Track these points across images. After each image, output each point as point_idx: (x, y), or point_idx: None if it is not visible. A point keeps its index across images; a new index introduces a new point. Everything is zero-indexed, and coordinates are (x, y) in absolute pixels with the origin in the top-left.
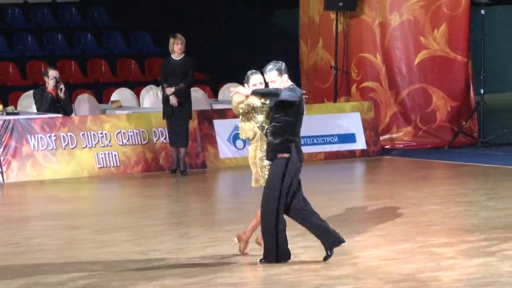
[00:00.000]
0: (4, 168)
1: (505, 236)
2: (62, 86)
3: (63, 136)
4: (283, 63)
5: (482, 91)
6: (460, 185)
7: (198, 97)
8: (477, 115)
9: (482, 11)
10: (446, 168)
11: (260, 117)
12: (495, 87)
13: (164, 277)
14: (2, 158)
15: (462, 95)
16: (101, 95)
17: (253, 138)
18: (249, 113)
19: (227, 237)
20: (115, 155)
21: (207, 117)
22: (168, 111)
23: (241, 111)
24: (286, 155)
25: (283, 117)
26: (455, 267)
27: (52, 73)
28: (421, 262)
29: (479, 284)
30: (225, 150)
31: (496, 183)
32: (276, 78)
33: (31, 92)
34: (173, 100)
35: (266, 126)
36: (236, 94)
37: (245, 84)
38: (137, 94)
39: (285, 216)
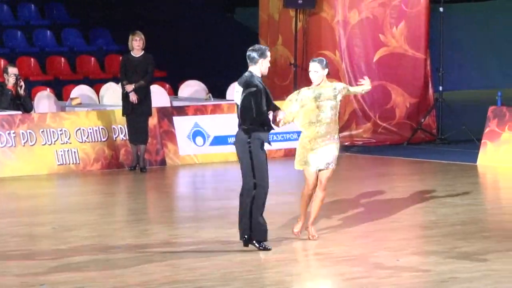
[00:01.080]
0: None
1: (463, 233)
2: (22, 83)
3: (22, 133)
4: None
5: (440, 88)
6: (419, 182)
7: (158, 94)
8: (435, 112)
9: (441, 9)
10: (405, 165)
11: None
12: (454, 84)
13: (124, 274)
14: None
15: (421, 92)
16: (61, 92)
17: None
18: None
19: (187, 234)
20: (74, 152)
21: (167, 114)
22: (128, 108)
23: None
24: None
25: None
26: (414, 263)
27: (12, 70)
28: (380, 258)
29: (438, 280)
30: (185, 147)
31: (454, 180)
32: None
33: None
34: (132, 97)
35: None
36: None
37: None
38: (97, 91)
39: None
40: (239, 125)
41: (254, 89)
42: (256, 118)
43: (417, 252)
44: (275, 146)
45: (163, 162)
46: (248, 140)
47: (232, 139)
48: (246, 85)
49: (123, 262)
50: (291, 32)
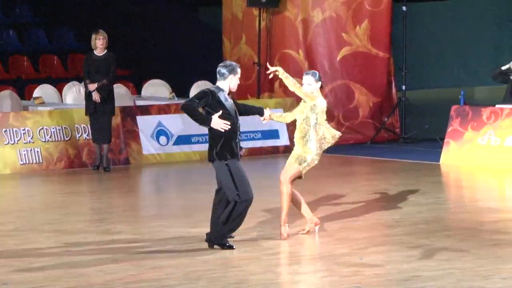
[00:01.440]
0: None
1: (426, 231)
2: None
3: None
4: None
5: (404, 87)
6: (382, 181)
7: (121, 93)
8: (398, 111)
9: (404, 8)
10: (369, 164)
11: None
12: (417, 84)
13: (88, 274)
14: None
15: (384, 91)
16: (23, 91)
17: None
18: None
19: (150, 233)
20: (37, 151)
21: (130, 113)
22: (91, 108)
23: None
24: None
25: None
26: (377, 262)
27: None
28: (344, 256)
29: (401, 279)
30: (148, 146)
31: (417, 179)
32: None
33: None
34: (95, 96)
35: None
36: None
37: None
38: (60, 91)
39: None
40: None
41: (205, 89)
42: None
43: (380, 251)
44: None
45: (126, 161)
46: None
47: (196, 139)
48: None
49: (87, 262)
50: (254, 31)
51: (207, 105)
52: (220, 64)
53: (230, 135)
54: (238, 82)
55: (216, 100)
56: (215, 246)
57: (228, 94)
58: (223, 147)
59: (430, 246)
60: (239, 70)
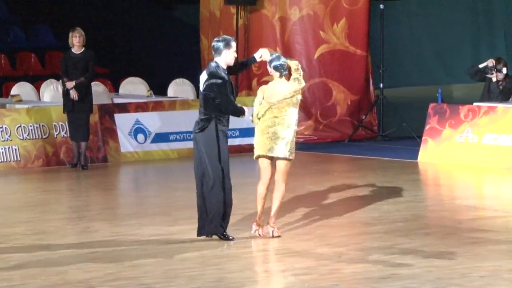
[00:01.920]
0: None
1: (405, 229)
2: None
3: None
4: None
5: (381, 85)
6: (361, 179)
7: (99, 91)
8: (376, 109)
9: (381, 6)
10: (347, 162)
11: None
12: (395, 82)
13: (67, 272)
14: None
15: (362, 89)
16: (1, 89)
17: None
18: None
19: (129, 231)
20: (15, 149)
21: (108, 111)
22: (69, 105)
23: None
24: None
25: None
26: (356, 260)
27: None
28: (322, 255)
29: (380, 276)
30: (126, 144)
31: (395, 177)
32: None
33: None
34: (73, 94)
35: None
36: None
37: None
38: (37, 88)
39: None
40: (202, 114)
41: (220, 81)
42: (221, 108)
43: (359, 249)
44: None
45: (104, 159)
46: (216, 131)
47: (174, 136)
48: (211, 75)
49: (65, 260)
50: (232, 29)
51: None
52: (214, 39)
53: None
54: (235, 56)
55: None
56: (195, 242)
57: (226, 69)
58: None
59: (409, 244)
60: (233, 44)
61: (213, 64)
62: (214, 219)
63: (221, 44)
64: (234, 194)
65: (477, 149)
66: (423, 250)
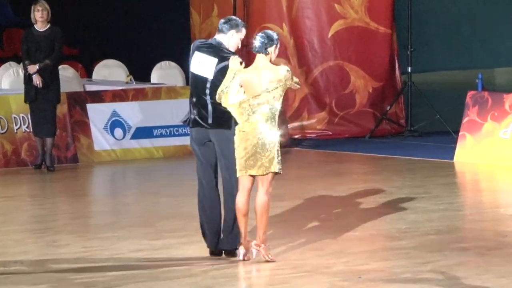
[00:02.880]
0: None
1: (438, 244)
2: None
3: None
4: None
5: (409, 69)
6: (383, 182)
7: (68, 76)
8: (403, 98)
9: None
10: (367, 162)
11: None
12: (425, 65)
13: None
14: None
15: (386, 74)
16: None
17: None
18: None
19: (103, 246)
20: None
21: (79, 100)
22: (31, 94)
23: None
24: None
25: None
26: (379, 281)
27: None
28: (338, 275)
29: None
30: (101, 140)
31: (426, 180)
32: None
33: None
34: (37, 80)
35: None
36: None
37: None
38: None
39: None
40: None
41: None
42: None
43: (382, 268)
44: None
45: (74, 159)
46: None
47: (159, 131)
48: (222, 57)
49: (26, 280)
50: (229, 2)
51: None
52: (221, 20)
53: None
54: (239, 43)
55: None
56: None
57: None
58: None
59: (443, 262)
60: (244, 30)
61: (213, 41)
62: (235, 230)
63: (231, 24)
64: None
65: None
66: (459, 268)
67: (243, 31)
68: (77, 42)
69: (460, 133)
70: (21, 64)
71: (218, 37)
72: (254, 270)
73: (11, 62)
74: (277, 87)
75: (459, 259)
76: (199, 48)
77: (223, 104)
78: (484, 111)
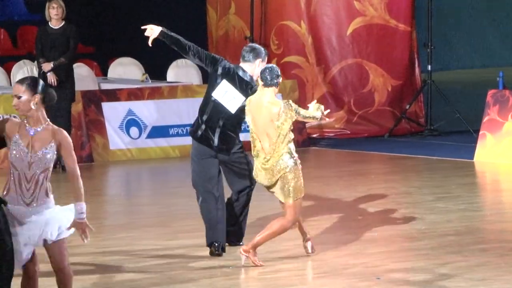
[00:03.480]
0: None
1: (457, 245)
2: None
3: None
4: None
5: (429, 67)
6: (403, 182)
7: (83, 74)
8: (423, 97)
9: None
10: (386, 162)
11: None
12: (445, 63)
13: None
14: None
15: (405, 72)
16: None
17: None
18: None
19: (118, 247)
20: None
21: (94, 99)
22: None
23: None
24: None
25: None
26: (398, 282)
27: None
28: (356, 276)
29: None
30: (117, 140)
31: (446, 180)
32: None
33: None
34: (51, 78)
35: None
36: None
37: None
38: (8, 71)
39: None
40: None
41: None
42: None
43: (401, 269)
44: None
45: (89, 159)
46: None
47: (175, 130)
48: (248, 96)
49: (40, 281)
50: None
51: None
52: (248, 45)
53: None
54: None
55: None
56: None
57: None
58: None
59: (462, 263)
60: (266, 58)
61: (245, 76)
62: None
63: (256, 53)
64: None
65: None
66: (479, 270)
67: (266, 59)
68: (92, 40)
69: (481, 132)
70: (35, 62)
71: (244, 66)
72: (272, 270)
73: (25, 60)
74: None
75: (478, 260)
76: (228, 77)
77: None
78: (505, 110)
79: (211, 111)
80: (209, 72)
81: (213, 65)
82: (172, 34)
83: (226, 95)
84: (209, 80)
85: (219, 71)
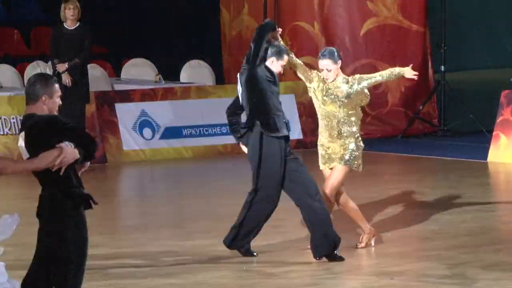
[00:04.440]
0: None
1: (471, 245)
2: None
3: None
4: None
5: (442, 68)
6: (416, 183)
7: (96, 75)
8: (436, 98)
9: None
10: (400, 162)
11: None
12: (459, 64)
13: None
14: None
15: (419, 73)
16: None
17: None
18: None
19: (132, 248)
20: None
21: (108, 100)
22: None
23: None
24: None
25: None
26: (411, 284)
27: None
28: (370, 276)
29: None
30: (130, 140)
31: (460, 180)
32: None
33: None
34: (66, 79)
35: None
36: None
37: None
38: (21, 72)
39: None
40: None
41: None
42: None
43: (415, 269)
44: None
45: (103, 159)
46: None
47: (188, 131)
48: None
49: None
50: (259, 0)
51: None
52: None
53: None
54: (281, 70)
55: None
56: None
57: None
58: None
59: (476, 264)
60: (285, 57)
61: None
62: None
63: (272, 51)
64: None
65: None
66: (494, 270)
67: (285, 58)
68: (106, 41)
69: (494, 133)
70: (49, 63)
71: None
72: (285, 271)
73: (38, 61)
74: None
75: (492, 260)
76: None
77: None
78: None
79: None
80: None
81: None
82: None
83: None
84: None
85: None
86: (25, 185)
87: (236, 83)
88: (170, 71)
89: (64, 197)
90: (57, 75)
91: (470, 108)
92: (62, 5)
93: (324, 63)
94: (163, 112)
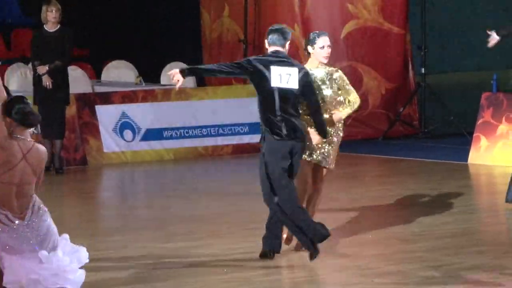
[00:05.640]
0: None
1: (453, 247)
2: None
3: None
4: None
5: (423, 70)
6: (398, 185)
7: (77, 77)
8: (417, 100)
9: None
10: (381, 164)
11: None
12: (439, 66)
13: None
14: None
15: (399, 75)
16: None
17: None
18: None
19: (112, 250)
20: None
21: (88, 102)
22: (41, 95)
23: None
24: None
25: None
26: (392, 285)
27: None
28: (351, 278)
29: None
30: (110, 142)
31: (441, 183)
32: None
33: None
34: (46, 81)
35: None
36: None
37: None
38: (1, 74)
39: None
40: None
41: None
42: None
43: (396, 271)
44: (220, 141)
45: (83, 161)
46: None
47: (169, 133)
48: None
49: None
50: (240, 2)
51: None
52: (273, 33)
53: None
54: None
55: None
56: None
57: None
58: None
59: (458, 266)
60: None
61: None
62: None
63: (284, 36)
64: (242, 200)
65: None
66: (475, 272)
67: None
68: (86, 43)
69: (475, 135)
70: (29, 65)
71: (277, 49)
72: (265, 273)
73: (19, 63)
74: None
75: (474, 262)
76: (272, 63)
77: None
78: (498, 112)
79: (281, 103)
80: (250, 78)
81: (248, 68)
82: (196, 67)
83: (283, 78)
84: (257, 81)
85: (259, 66)
86: None
87: (217, 85)
88: (150, 73)
89: None
90: (38, 77)
91: (450, 110)
92: (43, 7)
93: (326, 39)
94: (143, 114)
